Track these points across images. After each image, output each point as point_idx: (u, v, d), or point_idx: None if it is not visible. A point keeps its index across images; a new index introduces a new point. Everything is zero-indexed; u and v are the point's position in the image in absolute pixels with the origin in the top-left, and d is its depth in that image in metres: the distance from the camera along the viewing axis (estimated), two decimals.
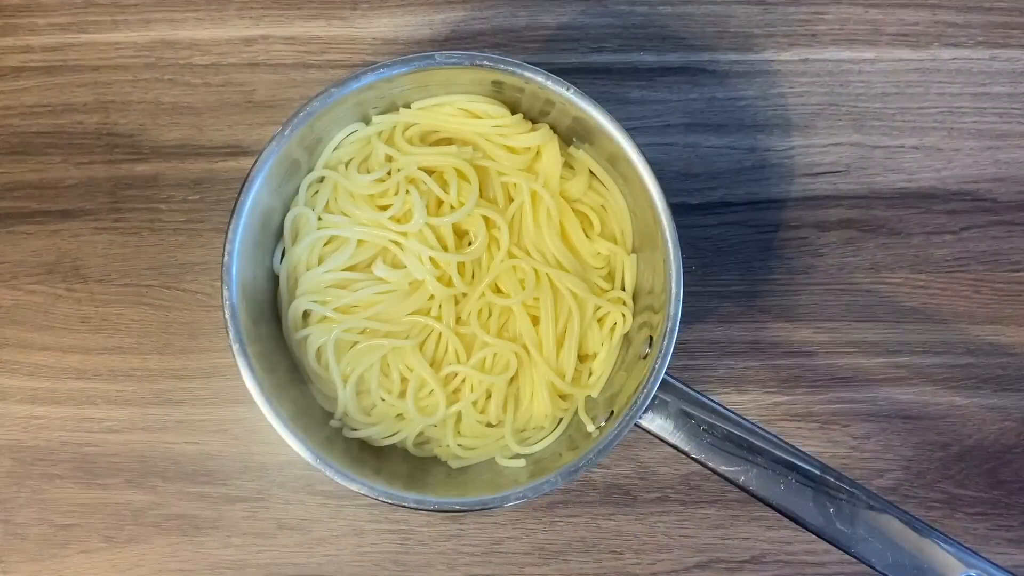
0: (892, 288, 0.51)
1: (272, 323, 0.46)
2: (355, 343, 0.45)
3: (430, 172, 0.45)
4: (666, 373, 0.40)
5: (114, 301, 0.51)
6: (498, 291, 0.46)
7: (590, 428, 0.45)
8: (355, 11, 0.51)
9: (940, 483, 0.51)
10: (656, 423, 0.41)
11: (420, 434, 0.46)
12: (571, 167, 0.47)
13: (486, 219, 0.46)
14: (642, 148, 0.41)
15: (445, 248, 0.45)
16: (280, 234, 0.46)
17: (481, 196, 0.46)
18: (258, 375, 0.41)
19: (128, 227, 0.51)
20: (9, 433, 0.51)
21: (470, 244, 0.46)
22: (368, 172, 0.45)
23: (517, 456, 0.46)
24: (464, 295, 0.46)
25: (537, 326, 0.46)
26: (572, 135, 0.46)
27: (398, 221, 0.45)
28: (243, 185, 0.41)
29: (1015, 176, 0.51)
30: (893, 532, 0.38)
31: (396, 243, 0.45)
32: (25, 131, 0.51)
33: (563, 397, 0.46)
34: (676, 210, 0.41)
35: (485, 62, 0.41)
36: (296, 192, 0.46)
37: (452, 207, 0.45)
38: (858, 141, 0.51)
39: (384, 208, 0.45)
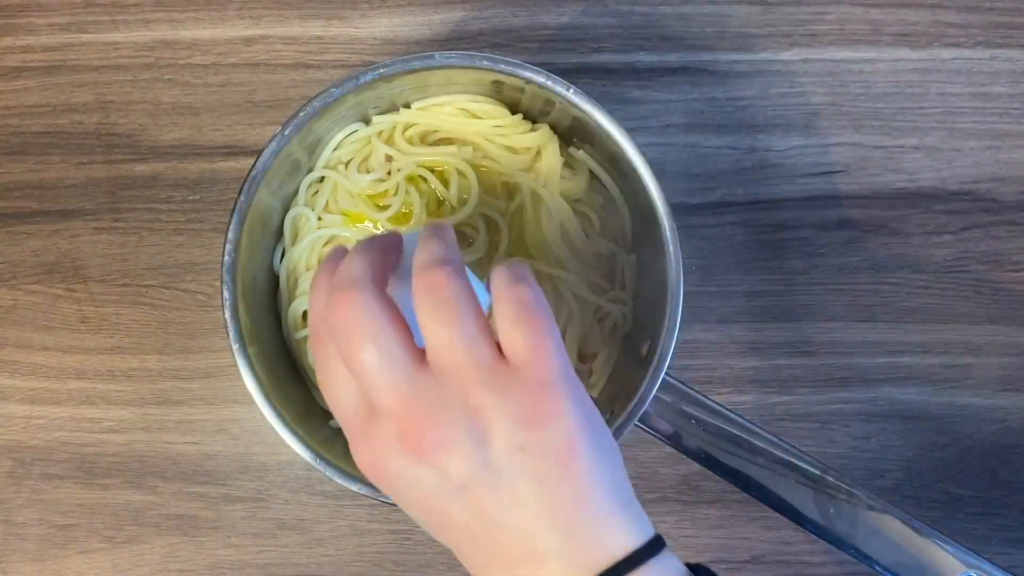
0: (892, 288, 0.51)
1: (272, 323, 0.46)
2: None
3: (430, 172, 0.45)
4: (666, 373, 0.40)
5: (114, 301, 0.51)
6: None
7: None
8: (355, 11, 0.51)
9: (940, 483, 0.51)
10: (656, 423, 0.41)
11: None
12: (571, 167, 0.47)
13: (486, 219, 0.46)
14: (642, 148, 0.41)
15: None
16: (280, 234, 0.46)
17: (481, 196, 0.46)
18: (258, 375, 0.41)
19: (127, 227, 0.51)
20: (9, 433, 0.51)
21: (470, 244, 0.46)
22: (368, 172, 0.45)
23: None
24: None
25: None
26: (572, 135, 0.46)
27: (398, 221, 0.45)
28: (243, 185, 0.41)
29: (1015, 176, 0.51)
30: (893, 532, 0.38)
31: None
32: (25, 131, 0.51)
33: None
34: (676, 210, 0.41)
35: (485, 62, 0.41)
36: (296, 192, 0.46)
37: (452, 207, 0.45)
38: (858, 141, 0.51)
39: (384, 208, 0.45)
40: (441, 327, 0.28)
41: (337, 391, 0.30)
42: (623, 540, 0.28)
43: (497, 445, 0.28)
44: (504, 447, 0.28)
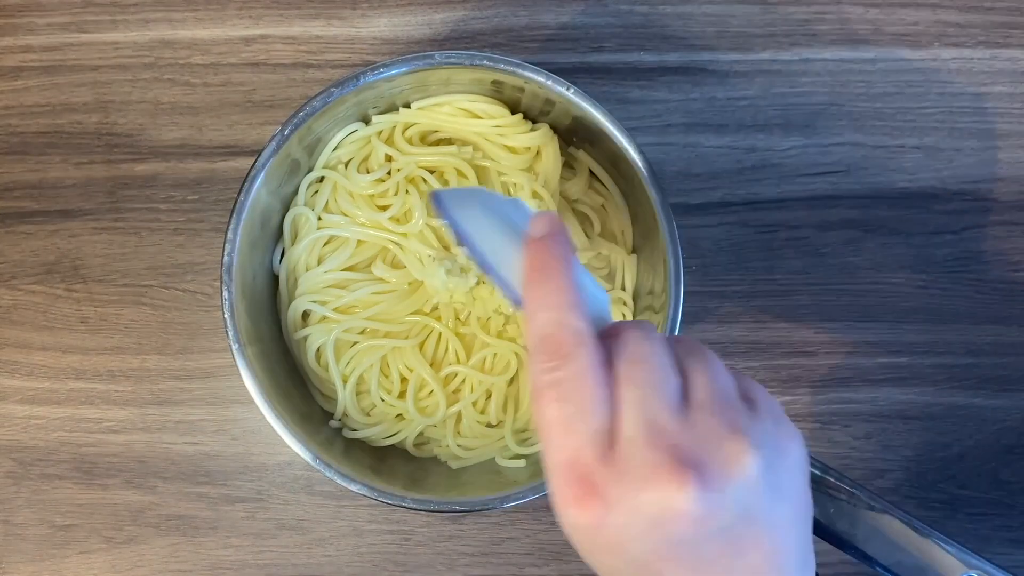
0: (892, 288, 0.51)
1: (272, 323, 0.46)
2: (355, 343, 0.45)
3: (430, 172, 0.45)
4: None
5: (113, 301, 0.51)
6: None
7: None
8: (355, 11, 0.51)
9: (941, 483, 0.51)
10: None
11: (420, 434, 0.46)
12: (571, 167, 0.47)
13: None
14: (642, 148, 0.41)
15: (445, 248, 0.45)
16: (280, 234, 0.46)
17: None
18: (258, 375, 0.41)
19: (127, 227, 0.51)
20: (9, 433, 0.51)
21: None
22: (368, 172, 0.45)
23: (517, 456, 0.46)
24: None
25: None
26: (572, 135, 0.46)
27: (398, 221, 0.45)
28: (243, 185, 0.41)
29: (1016, 176, 0.51)
30: (894, 533, 0.38)
31: (396, 243, 0.45)
32: (25, 131, 0.51)
33: None
34: (676, 210, 0.41)
35: (485, 62, 0.41)
36: (296, 192, 0.46)
37: None
38: (858, 141, 0.51)
39: (384, 208, 0.45)
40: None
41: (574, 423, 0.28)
42: None
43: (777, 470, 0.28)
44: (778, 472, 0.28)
